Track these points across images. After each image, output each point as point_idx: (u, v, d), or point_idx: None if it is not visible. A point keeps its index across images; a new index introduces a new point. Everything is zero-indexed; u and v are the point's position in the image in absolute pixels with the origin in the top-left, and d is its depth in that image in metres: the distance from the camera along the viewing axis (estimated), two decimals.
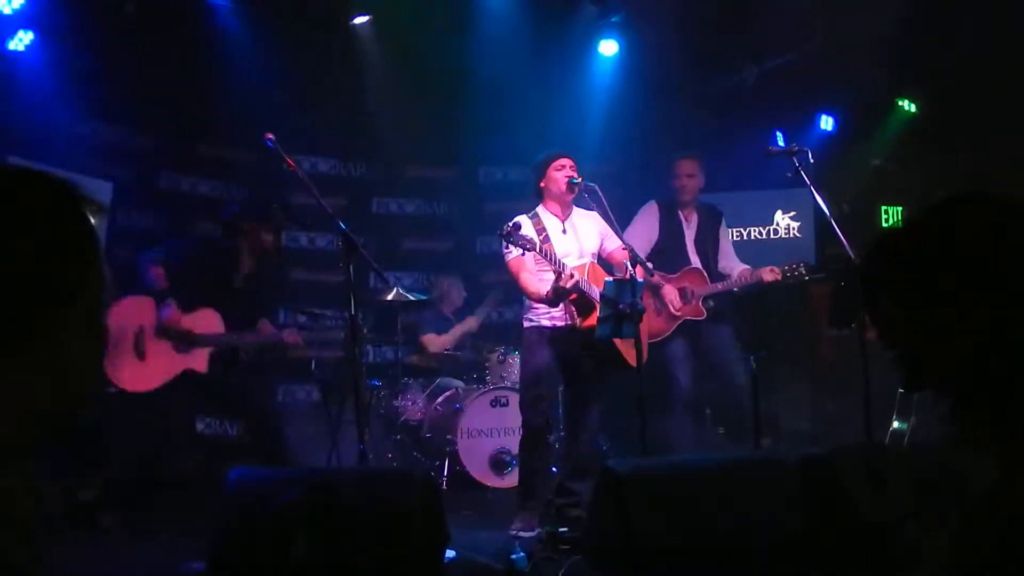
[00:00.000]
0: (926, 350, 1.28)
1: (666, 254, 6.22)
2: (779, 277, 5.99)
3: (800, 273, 5.95)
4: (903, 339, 1.30)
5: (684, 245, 6.29)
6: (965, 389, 1.26)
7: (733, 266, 6.32)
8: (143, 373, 5.41)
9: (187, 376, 5.48)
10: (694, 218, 6.36)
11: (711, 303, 6.17)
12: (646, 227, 6.32)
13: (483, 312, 8.05)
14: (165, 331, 5.41)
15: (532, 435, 5.37)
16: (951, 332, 1.24)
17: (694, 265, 6.22)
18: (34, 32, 6.74)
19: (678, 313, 6.04)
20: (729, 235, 6.53)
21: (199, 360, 5.51)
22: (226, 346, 5.65)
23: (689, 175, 6.30)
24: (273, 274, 5.97)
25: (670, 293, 6.02)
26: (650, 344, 5.89)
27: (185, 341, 5.46)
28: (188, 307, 5.51)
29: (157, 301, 5.46)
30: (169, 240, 6.46)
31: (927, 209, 1.33)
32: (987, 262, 1.22)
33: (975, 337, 1.22)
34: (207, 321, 5.55)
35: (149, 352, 5.42)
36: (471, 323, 7.95)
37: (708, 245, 6.31)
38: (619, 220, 5.29)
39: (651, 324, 5.92)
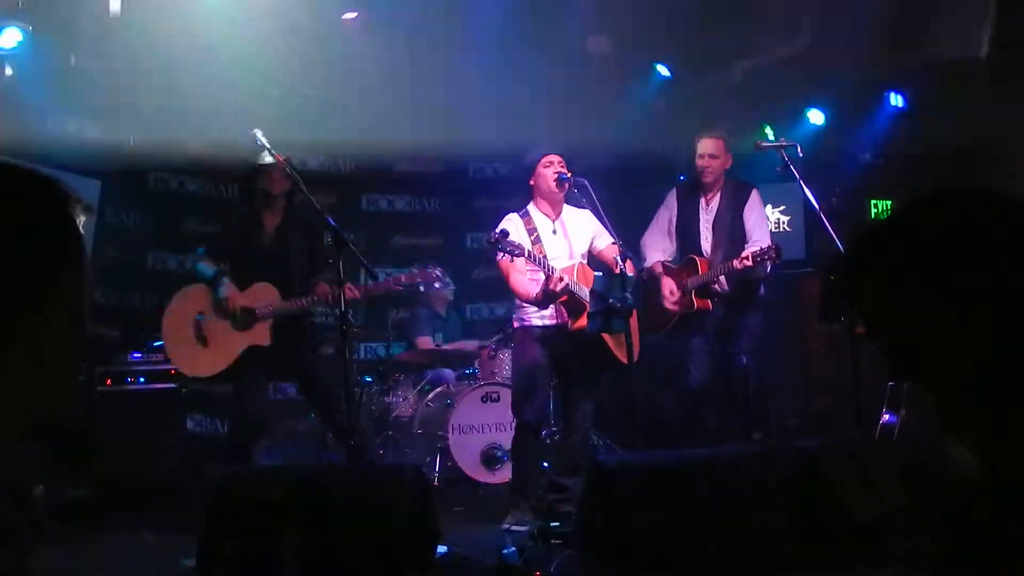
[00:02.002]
0: (910, 340, 1.28)
1: (680, 239, 6.08)
2: (749, 263, 5.62)
3: (771, 256, 5.59)
4: (888, 329, 1.31)
5: (697, 230, 6.03)
6: (947, 379, 1.26)
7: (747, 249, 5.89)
8: (207, 358, 5.45)
9: (254, 351, 5.44)
10: (715, 200, 6.03)
11: (718, 289, 5.92)
12: (665, 214, 6.18)
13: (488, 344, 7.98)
14: (224, 310, 5.41)
15: (523, 433, 5.39)
16: (934, 324, 1.24)
17: (704, 251, 5.97)
18: (22, 30, 6.72)
19: (672, 308, 5.88)
20: (761, 210, 6.13)
21: (261, 334, 5.44)
22: (286, 315, 5.51)
23: (711, 155, 5.93)
24: (305, 225, 5.69)
25: (666, 286, 5.88)
26: (666, 336, 5.98)
27: (246, 318, 5.42)
28: (242, 284, 5.49)
29: (212, 284, 5.46)
30: None
31: (917, 201, 1.33)
32: (973, 256, 1.22)
33: (958, 329, 1.22)
34: (263, 294, 5.48)
35: (210, 337, 5.44)
36: (470, 346, 7.88)
37: (727, 228, 5.97)
38: (608, 217, 5.29)
39: (656, 316, 5.95)
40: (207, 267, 5.53)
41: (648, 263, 6.02)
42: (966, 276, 1.21)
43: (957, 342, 1.22)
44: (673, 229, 6.11)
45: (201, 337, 5.46)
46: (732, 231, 5.95)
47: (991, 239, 1.22)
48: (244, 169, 5.70)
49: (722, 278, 5.86)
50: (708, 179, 5.98)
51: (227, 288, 5.43)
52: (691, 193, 6.12)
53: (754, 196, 6.09)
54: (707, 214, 6.04)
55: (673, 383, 6.37)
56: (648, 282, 6.00)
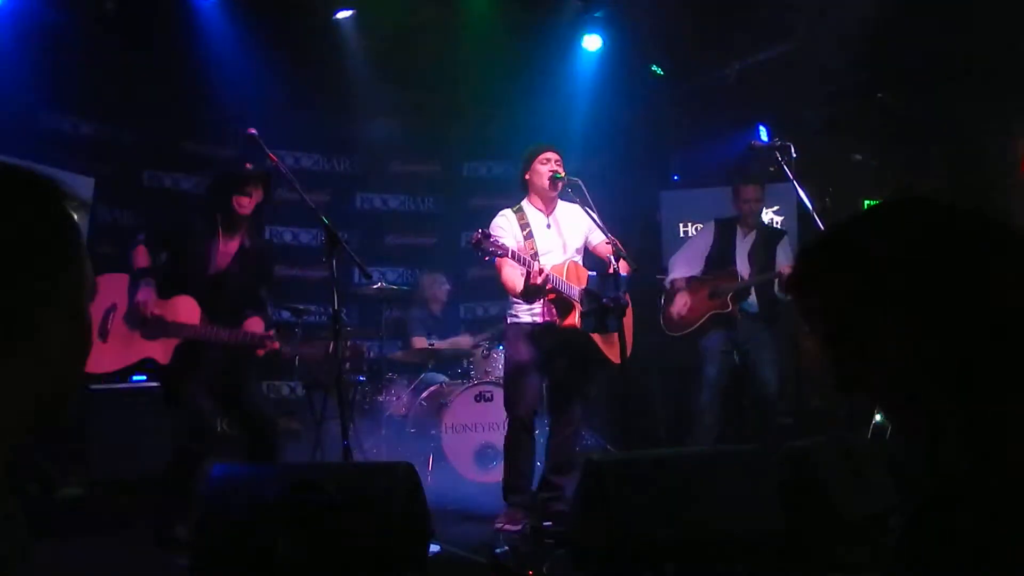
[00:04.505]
0: (859, 353, 1.27)
1: (715, 260, 6.57)
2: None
3: None
4: (839, 343, 1.30)
5: (732, 252, 6.56)
6: (896, 393, 1.26)
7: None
8: (99, 354, 4.83)
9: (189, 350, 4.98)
10: (752, 234, 6.61)
11: (751, 302, 6.45)
12: (701, 242, 6.74)
13: (479, 339, 8.02)
14: (136, 313, 4.90)
15: (515, 430, 5.39)
16: (883, 336, 1.24)
17: (739, 269, 6.49)
18: (15, 28, 6.71)
19: (680, 318, 6.43)
20: (791, 251, 6.69)
21: (163, 350, 4.93)
22: (196, 340, 4.99)
23: (756, 199, 6.54)
24: (259, 256, 5.34)
25: (679, 300, 6.48)
26: (685, 335, 6.48)
27: (155, 328, 4.92)
28: (166, 292, 5.01)
29: (133, 281, 4.98)
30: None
31: (868, 211, 1.33)
32: (923, 268, 1.22)
33: (907, 342, 1.22)
34: (183, 309, 5.00)
35: (113, 333, 4.92)
36: (464, 341, 7.92)
37: (762, 258, 6.50)
38: (603, 217, 5.29)
39: (680, 318, 6.49)
40: (138, 260, 5.03)
41: (673, 276, 6.65)
42: (914, 287, 1.21)
43: (903, 352, 1.22)
44: (707, 254, 6.64)
45: (104, 330, 4.92)
46: (766, 262, 6.47)
47: (943, 252, 1.22)
48: (221, 174, 5.25)
49: (755, 296, 6.45)
50: (752, 219, 6.61)
51: (146, 291, 4.93)
52: (730, 227, 6.66)
53: (786, 239, 6.75)
54: (744, 244, 6.60)
55: (675, 381, 6.63)
56: (670, 292, 6.62)
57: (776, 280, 6.30)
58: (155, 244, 5.12)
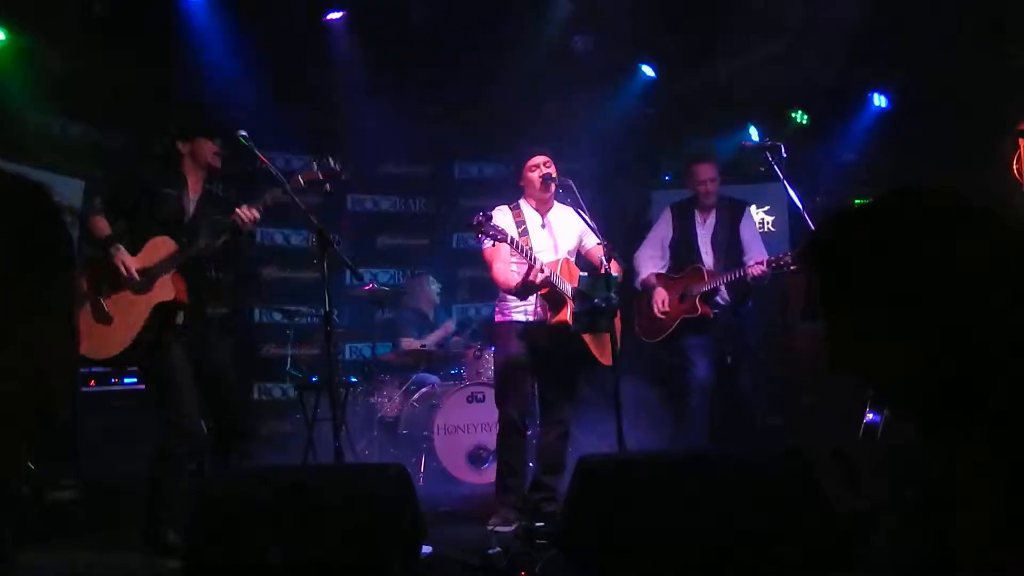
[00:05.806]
0: (854, 331, 1.28)
1: (678, 253, 6.38)
2: (765, 270, 5.93)
3: (786, 263, 5.89)
4: (837, 319, 1.31)
5: (695, 244, 6.35)
6: (893, 384, 1.27)
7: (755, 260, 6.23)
8: (114, 335, 4.79)
9: (163, 312, 4.82)
10: (711, 217, 6.38)
11: (720, 300, 6.23)
12: (660, 231, 6.51)
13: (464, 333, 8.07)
14: (119, 279, 4.77)
15: (507, 428, 5.38)
16: (882, 318, 1.24)
17: (704, 263, 6.27)
18: (3, 31, 6.68)
19: (663, 315, 6.16)
20: (754, 226, 6.52)
21: (165, 290, 4.81)
22: (190, 262, 4.89)
23: (712, 179, 6.32)
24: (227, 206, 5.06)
25: (659, 296, 6.19)
26: (659, 342, 6.25)
27: (144, 281, 4.79)
28: (139, 243, 4.86)
29: (103, 249, 4.81)
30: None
31: (880, 198, 1.34)
32: (927, 254, 1.22)
33: (905, 325, 1.22)
34: (160, 246, 4.85)
35: (112, 311, 4.80)
36: (448, 326, 7.97)
37: (726, 242, 6.31)
38: (594, 217, 5.29)
39: (651, 323, 6.23)
40: (99, 228, 4.86)
41: (643, 275, 6.35)
42: (917, 273, 1.21)
43: (901, 338, 1.22)
44: (668, 246, 6.43)
45: (104, 316, 4.80)
46: (730, 246, 6.28)
47: (949, 239, 1.23)
48: (181, 133, 5.12)
49: (723, 289, 6.18)
50: (709, 201, 6.35)
51: (120, 256, 4.77)
52: (687, 212, 6.43)
53: (748, 213, 6.49)
54: (704, 230, 6.38)
55: (668, 381, 6.59)
56: (644, 292, 6.32)
57: (768, 264, 5.98)
58: (112, 209, 4.95)
